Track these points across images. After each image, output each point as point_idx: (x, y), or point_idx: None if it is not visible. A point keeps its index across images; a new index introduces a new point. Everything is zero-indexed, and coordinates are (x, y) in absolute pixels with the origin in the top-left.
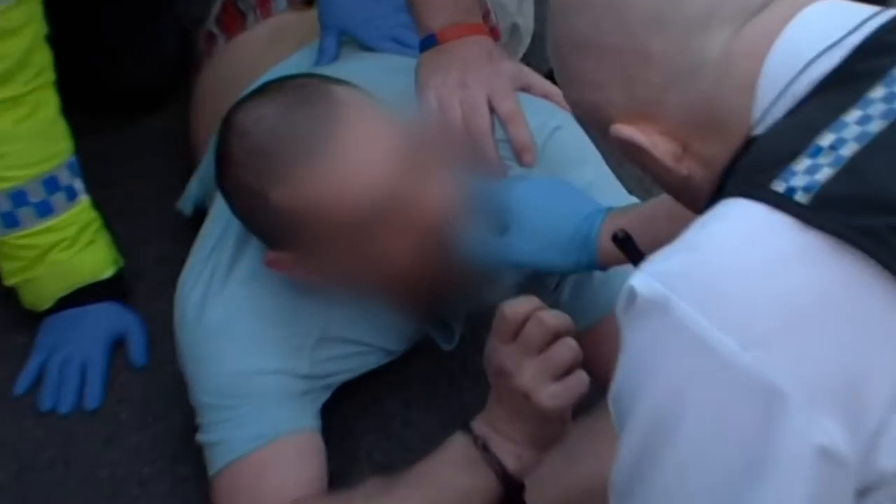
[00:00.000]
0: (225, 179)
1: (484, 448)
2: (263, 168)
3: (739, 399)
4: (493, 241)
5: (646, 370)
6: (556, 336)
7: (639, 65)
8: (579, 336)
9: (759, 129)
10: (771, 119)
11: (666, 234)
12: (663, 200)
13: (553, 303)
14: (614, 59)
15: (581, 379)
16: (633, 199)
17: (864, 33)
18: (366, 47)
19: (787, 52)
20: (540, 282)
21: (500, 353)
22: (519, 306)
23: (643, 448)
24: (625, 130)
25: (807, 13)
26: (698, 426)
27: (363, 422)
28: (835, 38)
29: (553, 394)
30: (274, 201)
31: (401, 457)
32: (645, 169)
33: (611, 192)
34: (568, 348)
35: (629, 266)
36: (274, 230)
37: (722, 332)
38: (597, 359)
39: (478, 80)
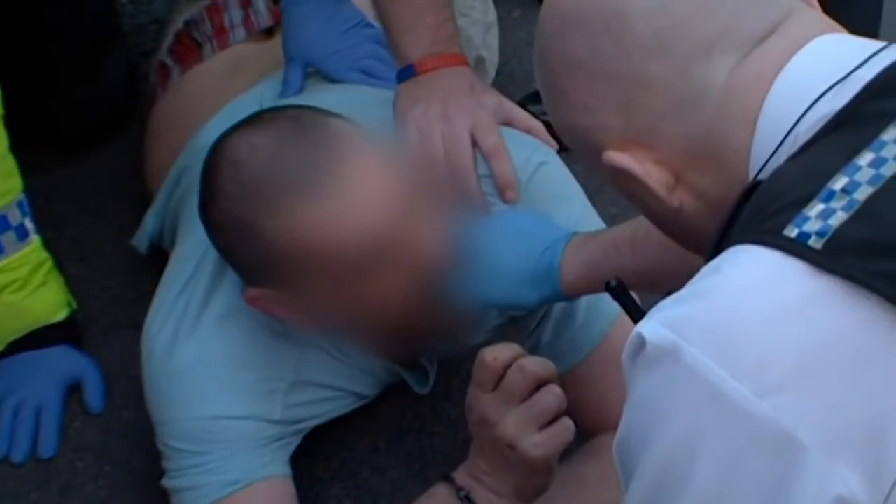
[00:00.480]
0: (212, 211)
1: (467, 499)
2: (256, 200)
3: (754, 448)
4: (465, 282)
5: (657, 418)
6: (540, 383)
7: (637, 91)
8: (561, 378)
9: (761, 169)
10: (775, 161)
11: (630, 265)
12: (625, 229)
13: (533, 345)
14: (611, 83)
15: (567, 426)
16: None
17: (872, 71)
18: (331, 79)
19: (791, 86)
20: (519, 323)
21: (482, 402)
22: (499, 353)
23: (652, 497)
24: (618, 158)
25: (812, 47)
26: (712, 475)
27: (332, 468)
28: (840, 75)
29: (538, 443)
30: (265, 235)
31: None
32: (633, 198)
33: (594, 227)
34: (552, 395)
35: (602, 297)
36: (260, 265)
37: (735, 380)
38: (578, 402)
39: (460, 112)
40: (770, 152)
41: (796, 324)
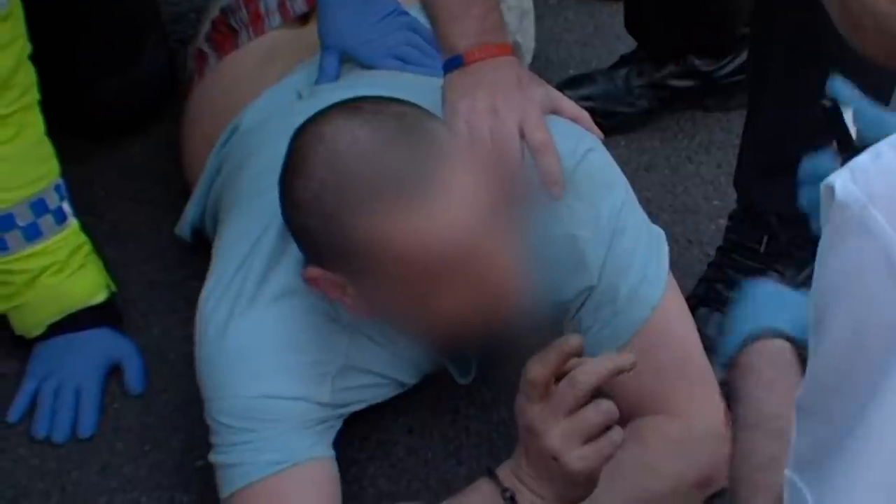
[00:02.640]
0: (297, 190)
1: (511, 501)
2: (351, 193)
3: None
4: None
5: (840, 293)
6: (588, 396)
7: None
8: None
9: None
10: None
11: None
12: None
13: (573, 329)
14: None
15: (612, 440)
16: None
17: None
18: (367, 66)
19: None
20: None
21: (528, 412)
22: (544, 368)
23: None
24: None
25: None
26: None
27: (367, 449)
28: None
29: (582, 456)
30: (350, 227)
31: (405, 485)
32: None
33: (636, 212)
34: (599, 412)
35: (642, 282)
36: (334, 252)
37: None
38: (618, 386)
39: (508, 106)
40: None
41: None
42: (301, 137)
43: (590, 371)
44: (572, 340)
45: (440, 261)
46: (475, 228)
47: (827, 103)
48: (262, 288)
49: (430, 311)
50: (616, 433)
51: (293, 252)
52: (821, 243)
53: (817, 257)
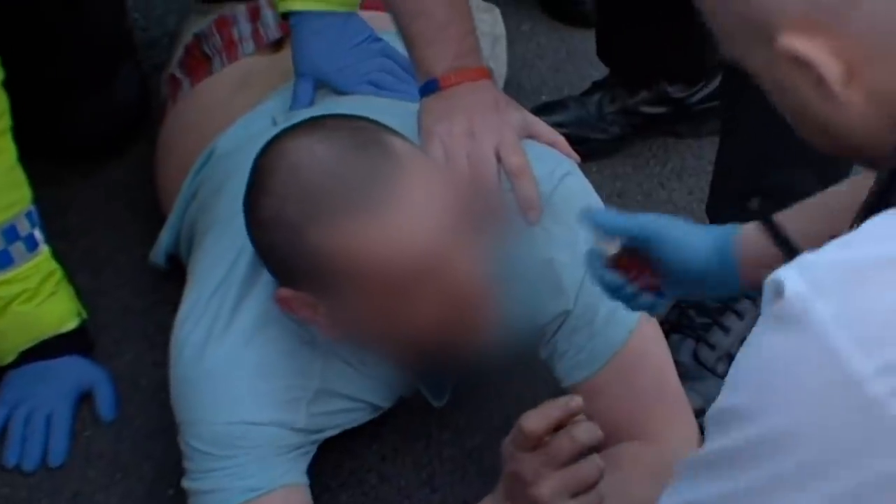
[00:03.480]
0: (260, 208)
1: None
2: (311, 207)
3: (866, 425)
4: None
5: (779, 385)
6: (583, 451)
7: None
8: (576, 387)
9: None
10: None
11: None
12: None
13: (549, 353)
14: None
15: (599, 495)
16: None
17: None
18: (341, 92)
19: None
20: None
21: (518, 459)
22: (544, 422)
23: (736, 456)
24: (799, 44)
25: None
26: (820, 444)
27: (340, 476)
28: None
29: None
30: (313, 241)
31: None
32: (781, 91)
33: None
34: (595, 468)
35: (620, 305)
36: (300, 269)
37: (858, 350)
38: (594, 412)
39: (485, 130)
40: None
41: None
42: (264, 156)
43: (591, 429)
44: (576, 401)
45: (403, 274)
46: (434, 241)
47: (767, 219)
48: (237, 313)
49: (399, 330)
50: (600, 491)
51: (267, 277)
52: (758, 329)
53: (752, 341)
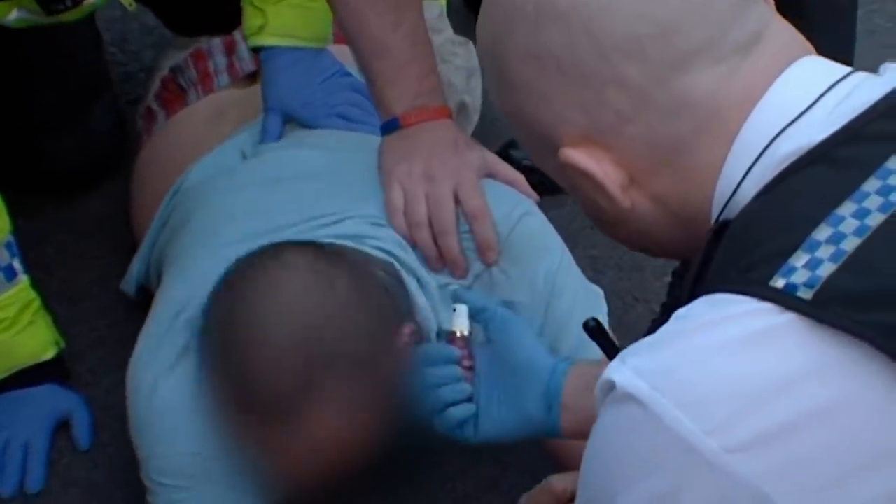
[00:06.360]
0: (211, 341)
1: None
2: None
3: (725, 501)
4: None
5: (623, 472)
6: None
7: (608, 92)
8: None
9: (739, 199)
10: (747, 192)
11: None
12: None
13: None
14: (582, 81)
15: None
16: (590, 285)
17: (838, 100)
18: (309, 126)
19: (770, 111)
20: None
21: None
22: (569, 483)
23: None
24: (577, 157)
25: (792, 70)
26: None
27: None
28: (810, 104)
29: None
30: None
31: None
32: (579, 193)
33: (573, 273)
34: None
35: (587, 348)
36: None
37: (706, 436)
38: (571, 459)
39: (444, 173)
40: (740, 175)
41: (779, 374)
42: (222, 299)
43: None
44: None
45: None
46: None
47: (590, 322)
48: (185, 352)
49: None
50: None
51: None
52: (595, 427)
53: (591, 439)
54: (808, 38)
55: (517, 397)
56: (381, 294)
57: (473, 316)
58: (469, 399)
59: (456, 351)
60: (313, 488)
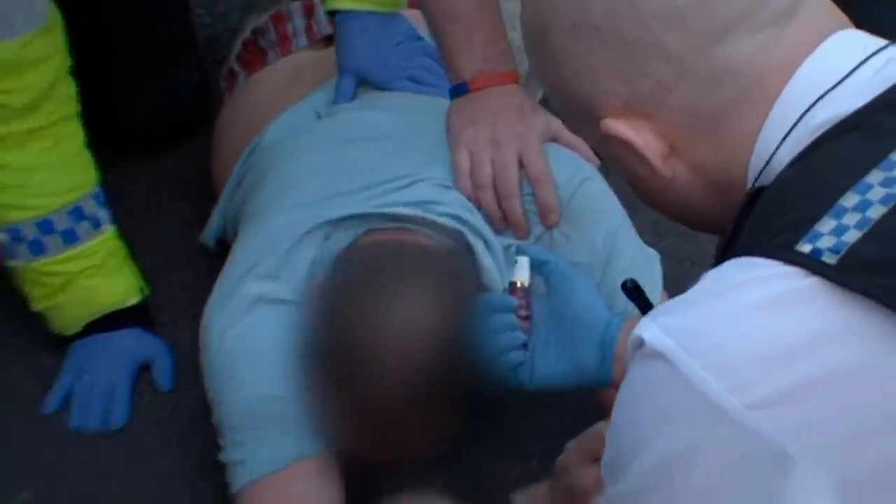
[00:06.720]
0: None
1: None
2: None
3: (746, 459)
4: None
5: (653, 418)
6: None
7: (650, 61)
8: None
9: (772, 168)
10: (781, 160)
11: None
12: None
13: None
14: (624, 50)
15: None
16: (647, 248)
17: (874, 70)
18: (382, 88)
19: (808, 81)
20: None
21: (576, 474)
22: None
23: (638, 493)
24: (618, 128)
25: (830, 42)
26: (704, 481)
27: None
28: (846, 75)
29: None
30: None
31: None
32: (620, 163)
33: (631, 237)
34: None
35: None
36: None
37: (730, 393)
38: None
39: (509, 137)
40: (777, 142)
41: (802, 336)
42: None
43: None
44: None
45: None
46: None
47: (628, 283)
48: (254, 305)
49: None
50: None
51: (286, 276)
52: (624, 381)
53: (621, 393)
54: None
55: (573, 346)
56: (454, 271)
57: (535, 268)
58: (524, 346)
59: (514, 300)
60: (380, 436)
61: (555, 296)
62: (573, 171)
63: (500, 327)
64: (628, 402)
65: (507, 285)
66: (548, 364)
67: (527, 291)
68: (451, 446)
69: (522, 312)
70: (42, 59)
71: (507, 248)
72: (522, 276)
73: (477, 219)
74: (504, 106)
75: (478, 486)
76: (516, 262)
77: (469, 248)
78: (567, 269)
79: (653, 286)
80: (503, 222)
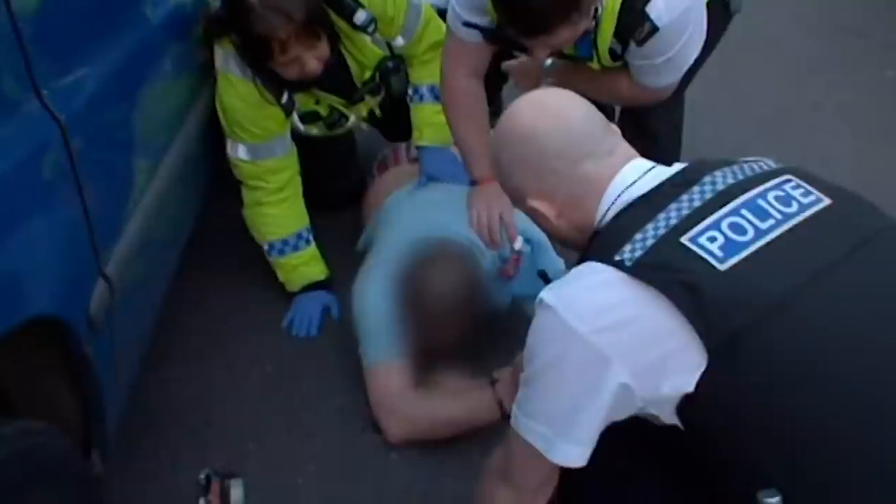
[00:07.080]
0: (407, 282)
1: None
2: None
3: (585, 357)
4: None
5: (543, 340)
6: None
7: (547, 173)
8: None
9: (603, 221)
10: (607, 218)
11: None
12: None
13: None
14: (535, 168)
15: None
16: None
17: (646, 183)
18: (445, 182)
19: (617, 183)
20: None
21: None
22: None
23: (530, 376)
24: (536, 203)
25: (630, 165)
26: (569, 370)
27: None
28: (636, 178)
29: None
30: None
31: None
32: (537, 219)
33: (548, 246)
34: None
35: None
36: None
37: (581, 322)
38: None
39: (496, 205)
40: (605, 210)
41: (616, 300)
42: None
43: None
44: None
45: None
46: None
47: (540, 272)
48: (381, 279)
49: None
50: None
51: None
52: (532, 327)
53: (531, 330)
54: (653, 146)
55: (535, 279)
56: (468, 259)
57: (526, 241)
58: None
59: (507, 253)
60: (432, 335)
61: (533, 254)
62: (524, 220)
63: (496, 275)
64: (534, 331)
65: (507, 254)
66: (522, 287)
67: (520, 253)
68: (471, 343)
69: (516, 264)
70: (286, 167)
71: (492, 255)
72: (519, 245)
73: (478, 241)
74: (493, 192)
75: (480, 366)
76: (518, 239)
77: (475, 252)
78: (541, 242)
79: (555, 272)
80: (491, 245)
